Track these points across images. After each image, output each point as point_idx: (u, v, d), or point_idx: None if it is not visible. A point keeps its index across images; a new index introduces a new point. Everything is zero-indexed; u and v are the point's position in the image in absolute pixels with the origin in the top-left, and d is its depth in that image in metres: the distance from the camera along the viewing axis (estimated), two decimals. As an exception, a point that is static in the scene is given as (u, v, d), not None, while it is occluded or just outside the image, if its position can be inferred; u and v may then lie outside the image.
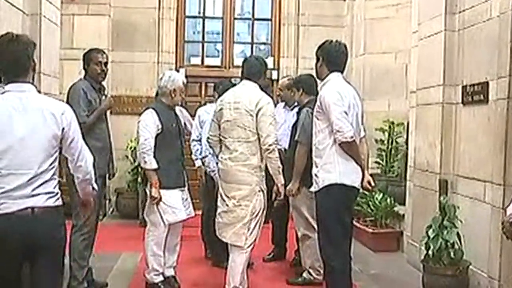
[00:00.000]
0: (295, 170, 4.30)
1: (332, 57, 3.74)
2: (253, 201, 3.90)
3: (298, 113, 4.61)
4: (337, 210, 3.62)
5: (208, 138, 4.15)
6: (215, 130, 4.07)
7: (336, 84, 3.68)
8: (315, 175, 3.68)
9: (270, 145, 3.86)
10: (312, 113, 3.96)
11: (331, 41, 3.79)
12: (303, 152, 4.18)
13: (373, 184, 3.81)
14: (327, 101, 3.54)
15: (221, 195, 4.02)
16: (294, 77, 5.05)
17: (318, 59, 3.80)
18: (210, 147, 4.25)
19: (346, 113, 3.53)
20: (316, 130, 3.67)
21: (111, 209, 7.43)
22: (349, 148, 3.55)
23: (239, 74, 4.27)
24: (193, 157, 5.24)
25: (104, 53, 4.33)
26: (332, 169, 3.58)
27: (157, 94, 4.56)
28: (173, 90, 4.24)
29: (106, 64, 4.28)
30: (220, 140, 4.05)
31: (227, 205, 3.95)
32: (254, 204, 3.91)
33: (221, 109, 4.03)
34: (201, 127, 5.14)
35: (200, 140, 5.14)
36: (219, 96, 4.53)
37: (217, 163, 4.18)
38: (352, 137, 3.50)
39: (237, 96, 4.00)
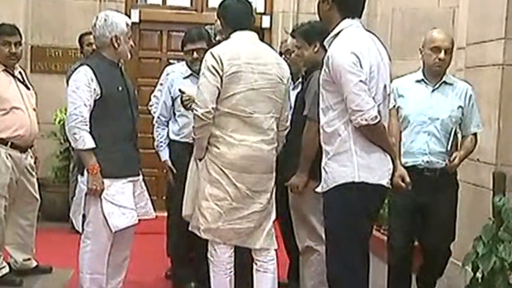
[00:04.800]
0: (302, 156, 4.30)
1: None
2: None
3: (304, 78, 4.61)
4: (355, 221, 3.53)
5: (206, 112, 4.02)
6: (215, 100, 4.05)
7: (351, 37, 3.54)
8: (323, 169, 3.62)
9: (287, 121, 4.34)
10: None
11: None
12: (314, 132, 4.13)
13: (408, 180, 3.74)
14: (338, 67, 3.44)
15: (242, 192, 4.11)
16: (299, 27, 4.91)
17: None
18: (201, 125, 4.09)
19: (364, 82, 3.44)
20: (324, 105, 3.59)
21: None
22: (373, 133, 3.48)
23: (217, 19, 4.36)
24: (157, 147, 5.24)
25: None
26: (348, 161, 3.50)
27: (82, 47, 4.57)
28: (114, 37, 4.23)
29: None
30: (227, 115, 4.07)
31: (260, 203, 4.18)
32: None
33: (236, 71, 4.03)
34: (172, 99, 5.08)
35: (168, 121, 5.17)
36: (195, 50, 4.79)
37: (209, 146, 4.14)
38: (376, 117, 3.42)
39: (258, 55, 4.13)
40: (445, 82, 4.57)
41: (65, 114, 5.04)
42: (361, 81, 3.41)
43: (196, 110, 4.05)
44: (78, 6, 7.59)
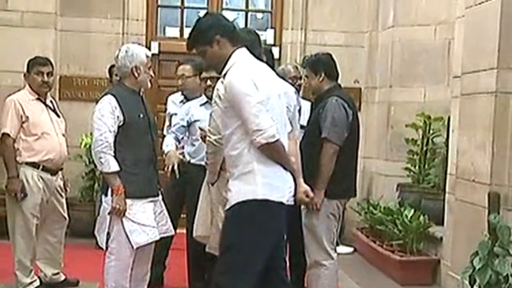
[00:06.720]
0: (320, 175, 4.36)
1: (230, 27, 3.58)
2: None
3: (314, 104, 4.67)
4: (254, 241, 3.42)
5: (218, 138, 3.85)
6: None
7: (246, 65, 3.51)
8: (228, 189, 3.53)
9: None
10: (344, 103, 4.19)
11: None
12: (332, 153, 4.24)
13: (311, 195, 3.81)
14: (237, 91, 3.38)
15: None
16: (307, 58, 5.03)
17: (208, 39, 3.54)
18: (214, 151, 3.96)
19: (262, 103, 3.38)
20: (228, 132, 3.52)
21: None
22: (273, 151, 3.42)
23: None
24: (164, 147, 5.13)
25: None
26: (252, 180, 3.43)
27: (111, 76, 4.55)
28: (134, 67, 4.28)
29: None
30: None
31: None
32: None
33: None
34: (188, 123, 5.09)
35: (179, 139, 5.12)
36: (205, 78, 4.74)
37: (221, 171, 3.98)
38: (274, 136, 3.36)
39: (280, 83, 3.84)
40: None
41: (91, 138, 5.17)
42: (258, 102, 3.37)
43: (209, 137, 3.99)
44: (103, 39, 7.64)
